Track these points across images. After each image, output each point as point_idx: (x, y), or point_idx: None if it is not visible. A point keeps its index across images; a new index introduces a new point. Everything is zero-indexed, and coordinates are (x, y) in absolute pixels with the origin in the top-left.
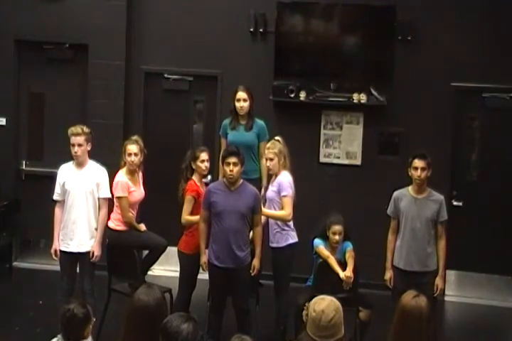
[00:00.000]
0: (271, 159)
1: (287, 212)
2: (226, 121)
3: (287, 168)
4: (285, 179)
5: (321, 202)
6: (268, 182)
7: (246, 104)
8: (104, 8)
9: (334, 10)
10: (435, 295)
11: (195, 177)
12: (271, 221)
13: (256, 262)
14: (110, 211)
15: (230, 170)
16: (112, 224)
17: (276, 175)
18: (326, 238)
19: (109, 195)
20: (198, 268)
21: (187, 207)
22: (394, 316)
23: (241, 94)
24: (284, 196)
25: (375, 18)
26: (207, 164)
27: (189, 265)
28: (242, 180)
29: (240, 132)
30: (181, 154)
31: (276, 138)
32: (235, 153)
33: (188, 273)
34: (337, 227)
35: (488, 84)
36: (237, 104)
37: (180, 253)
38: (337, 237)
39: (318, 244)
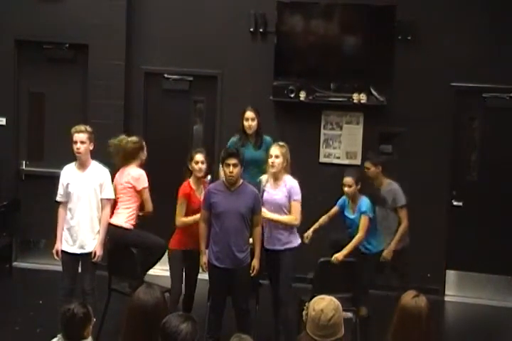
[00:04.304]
0: (277, 156)
1: (296, 216)
2: (234, 139)
3: (289, 173)
4: (295, 183)
5: (321, 202)
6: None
7: (254, 123)
8: (104, 8)
9: (334, 10)
10: None
11: (191, 179)
12: (275, 224)
13: (256, 262)
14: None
15: (230, 172)
16: (118, 221)
17: (276, 178)
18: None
19: (113, 196)
20: (183, 262)
21: (179, 211)
22: (394, 316)
23: (249, 114)
24: (296, 200)
25: (375, 18)
26: (201, 165)
27: (172, 259)
28: (242, 181)
29: (249, 149)
30: (181, 154)
31: (281, 143)
32: (235, 154)
33: (174, 267)
34: (345, 179)
35: (488, 84)
36: (246, 123)
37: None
38: (346, 189)
39: (340, 203)
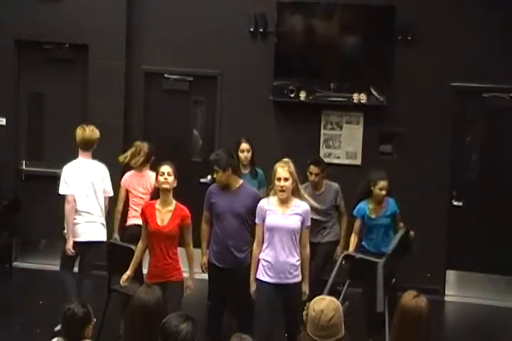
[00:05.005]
0: (286, 179)
1: (307, 245)
2: None
3: (298, 195)
4: (308, 207)
5: None
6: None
7: (249, 154)
8: (104, 8)
9: (334, 10)
10: None
11: (160, 198)
12: (285, 256)
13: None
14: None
15: (214, 178)
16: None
17: (285, 201)
18: (369, 195)
19: (60, 192)
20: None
21: (142, 231)
22: (394, 316)
23: (244, 146)
24: (308, 227)
25: (375, 18)
26: (167, 176)
27: None
28: (241, 182)
29: (247, 180)
30: (181, 154)
31: (285, 160)
32: (213, 162)
33: None
34: (383, 183)
35: (488, 84)
36: (241, 155)
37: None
38: (384, 193)
39: (359, 213)
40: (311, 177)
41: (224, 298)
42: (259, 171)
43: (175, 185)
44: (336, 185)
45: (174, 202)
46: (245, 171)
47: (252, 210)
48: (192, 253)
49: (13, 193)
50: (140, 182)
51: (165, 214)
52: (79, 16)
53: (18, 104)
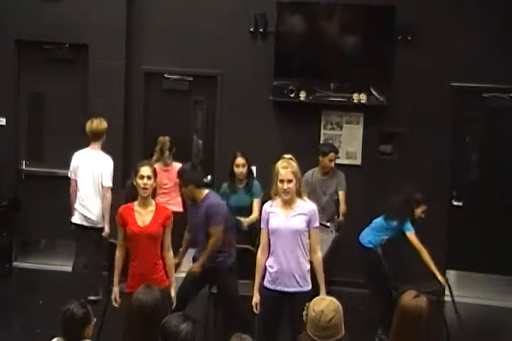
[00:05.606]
0: (289, 180)
1: (317, 248)
2: (225, 185)
3: (301, 196)
4: (315, 207)
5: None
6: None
7: (244, 169)
8: (104, 8)
9: (334, 10)
10: None
11: (138, 199)
12: (291, 261)
13: (196, 266)
14: None
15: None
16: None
17: (288, 203)
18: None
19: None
20: None
21: (118, 236)
22: (394, 316)
23: (240, 160)
24: (316, 228)
25: (375, 18)
26: (147, 181)
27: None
28: (205, 193)
29: (240, 196)
30: (181, 154)
31: (288, 156)
32: (178, 177)
33: None
34: (425, 206)
35: (488, 84)
36: (237, 170)
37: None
38: (423, 216)
39: (412, 229)
40: (331, 164)
41: (189, 294)
42: (256, 184)
43: (154, 186)
44: (342, 173)
45: (154, 202)
46: (240, 186)
47: (210, 218)
48: (171, 260)
49: (13, 193)
50: (166, 175)
51: (146, 215)
52: (79, 16)
53: (18, 104)
